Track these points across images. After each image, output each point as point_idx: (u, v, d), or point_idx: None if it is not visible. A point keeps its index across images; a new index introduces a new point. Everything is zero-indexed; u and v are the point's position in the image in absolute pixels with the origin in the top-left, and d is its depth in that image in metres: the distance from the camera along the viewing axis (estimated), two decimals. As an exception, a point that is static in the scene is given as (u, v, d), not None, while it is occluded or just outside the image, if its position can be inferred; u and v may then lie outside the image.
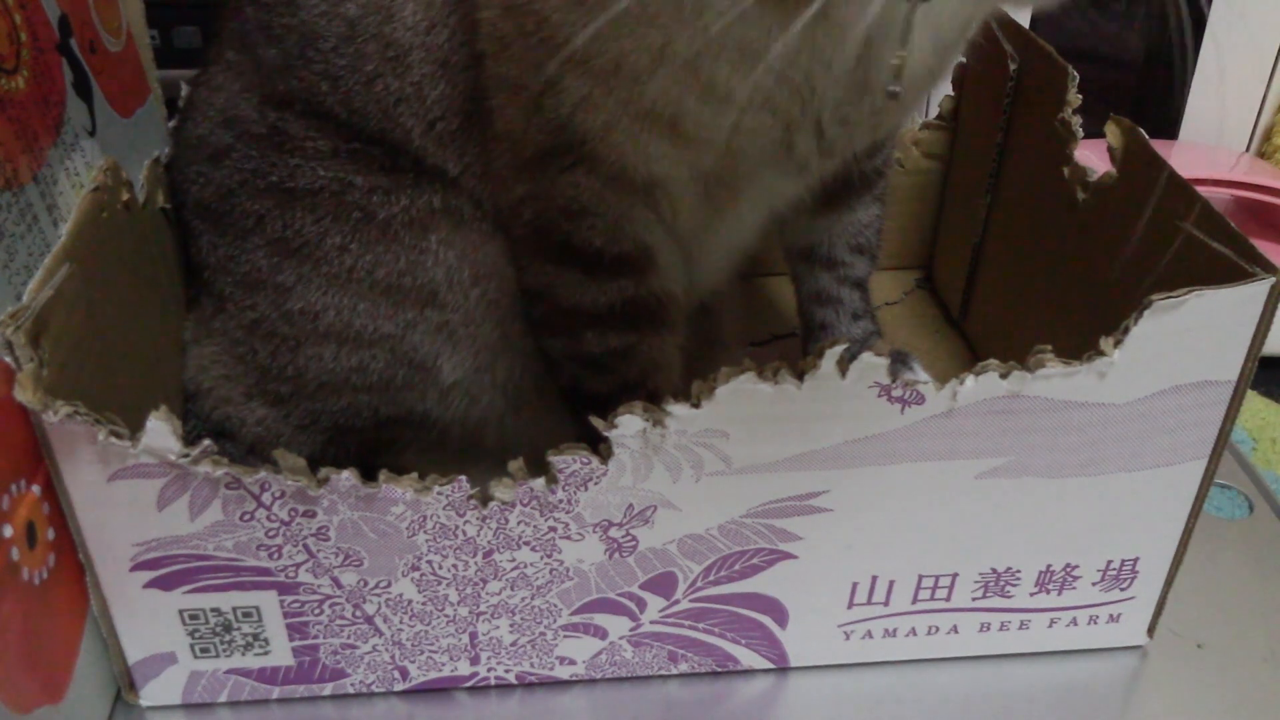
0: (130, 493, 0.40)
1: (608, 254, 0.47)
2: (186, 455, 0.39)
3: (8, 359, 0.37)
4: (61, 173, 0.46)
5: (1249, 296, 0.42)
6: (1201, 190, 0.78)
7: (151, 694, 0.46)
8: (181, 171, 0.52)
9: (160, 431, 0.38)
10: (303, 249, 0.47)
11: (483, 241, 0.48)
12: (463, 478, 0.41)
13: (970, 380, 0.41)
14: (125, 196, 0.49)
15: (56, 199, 0.45)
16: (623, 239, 0.47)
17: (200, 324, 0.52)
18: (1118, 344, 0.41)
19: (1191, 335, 0.42)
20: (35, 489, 0.40)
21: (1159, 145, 0.76)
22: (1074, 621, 0.50)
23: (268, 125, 0.48)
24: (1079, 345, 0.43)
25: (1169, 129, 0.83)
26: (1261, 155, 0.82)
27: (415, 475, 0.41)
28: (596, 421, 0.40)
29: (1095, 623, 0.50)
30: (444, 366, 0.49)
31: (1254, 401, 0.67)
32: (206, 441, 0.39)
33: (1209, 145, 0.83)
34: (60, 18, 0.47)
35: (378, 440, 0.51)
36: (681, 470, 0.42)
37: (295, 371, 0.49)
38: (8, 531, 0.38)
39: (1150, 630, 0.51)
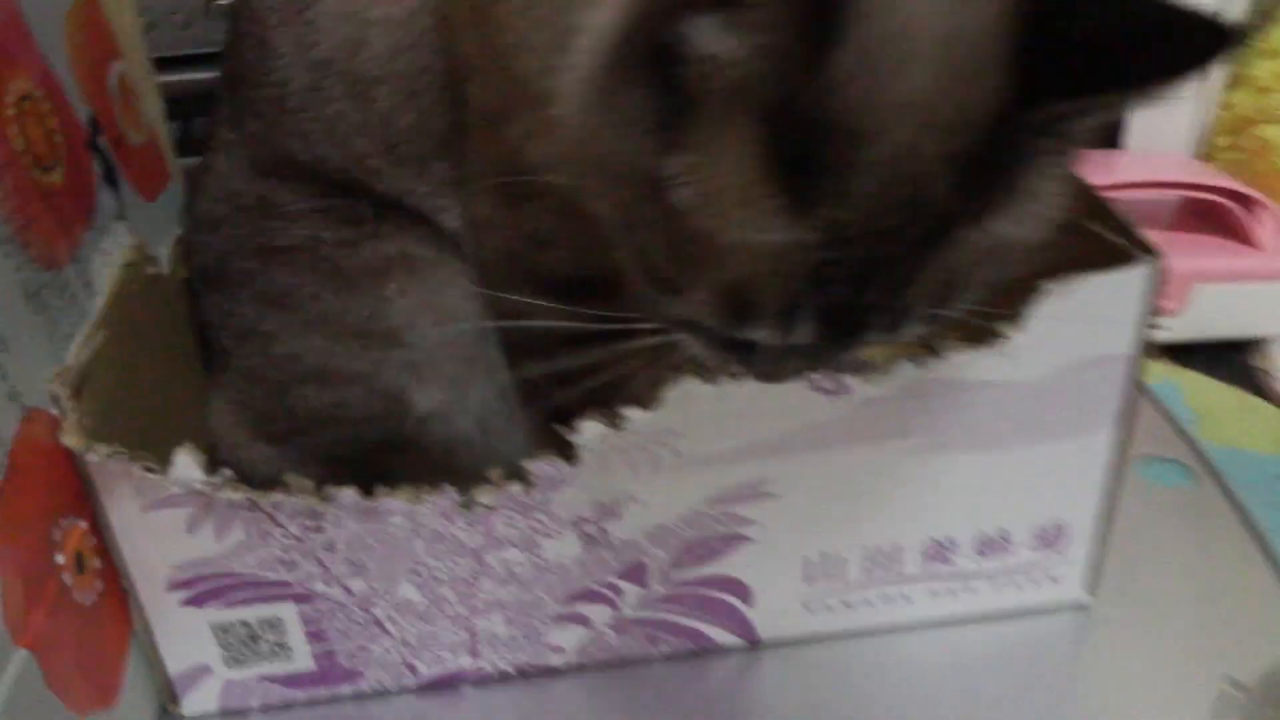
0: (164, 521, 0.46)
1: (576, 280, 0.51)
2: (210, 483, 0.45)
3: (54, 410, 0.44)
4: (95, 252, 0.52)
5: (1135, 276, 0.47)
6: (1149, 193, 0.83)
7: (192, 704, 0.52)
8: (189, 244, 0.59)
9: (187, 464, 0.44)
10: (282, 299, 0.54)
11: (442, 286, 0.54)
12: (449, 487, 0.47)
13: (888, 369, 0.47)
14: (152, 270, 0.56)
15: (92, 276, 0.52)
16: (589, 265, 0.50)
17: (213, 379, 0.59)
18: (1017, 328, 0.47)
19: (1086, 315, 0.47)
20: (82, 523, 0.46)
21: (1105, 154, 0.83)
22: (1016, 584, 0.55)
23: (255, 196, 0.55)
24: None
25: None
26: (1205, 158, 0.87)
27: (409, 487, 0.47)
28: (563, 429, 0.46)
29: (1036, 584, 0.55)
30: (417, 398, 0.55)
31: (1200, 382, 0.73)
32: (226, 470, 0.45)
33: (1154, 151, 0.88)
34: (89, 118, 0.54)
35: (371, 470, 0.57)
36: (641, 467, 0.47)
37: (286, 411, 0.55)
38: (60, 560, 0.44)
39: (1091, 589, 0.56)
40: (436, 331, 0.54)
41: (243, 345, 0.56)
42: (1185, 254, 0.75)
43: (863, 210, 0.34)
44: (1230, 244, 0.76)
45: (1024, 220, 0.37)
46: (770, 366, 0.40)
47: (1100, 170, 0.78)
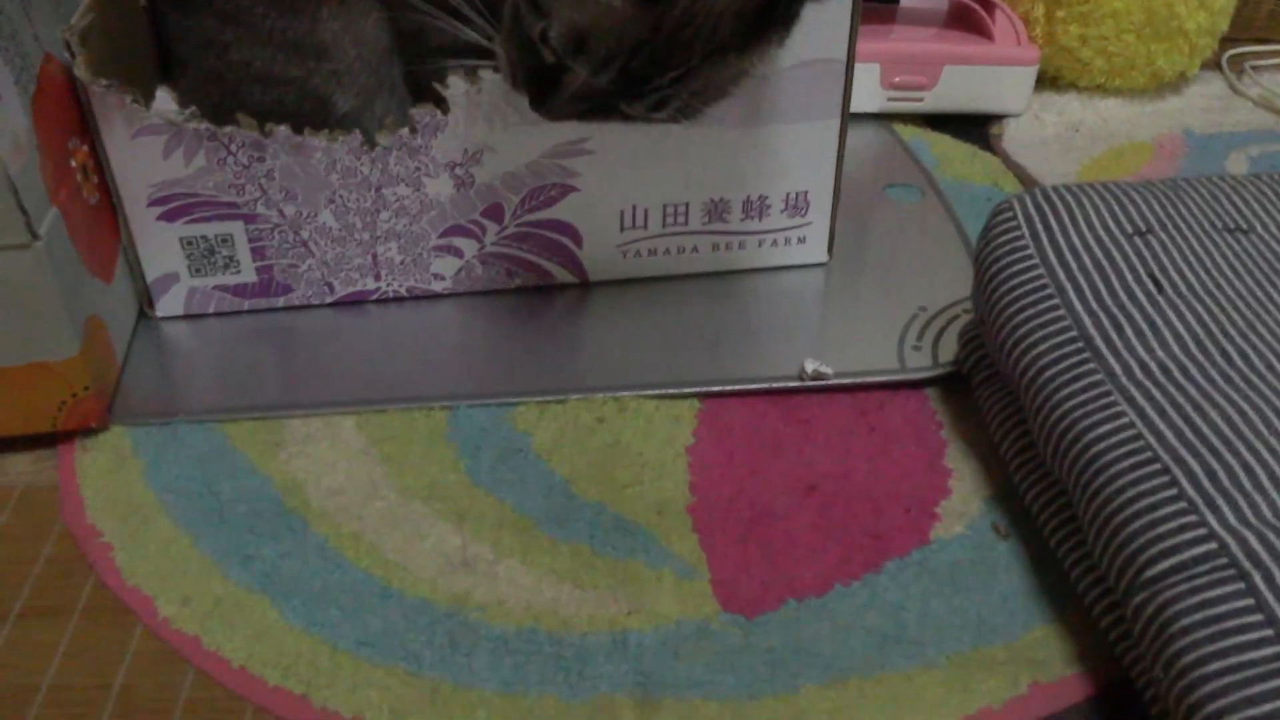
0: (146, 146, 0.63)
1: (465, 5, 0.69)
2: (182, 114, 0.62)
3: (67, 55, 0.60)
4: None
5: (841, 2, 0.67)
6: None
7: (164, 307, 0.70)
8: None
9: (165, 99, 0.62)
10: (238, 15, 0.70)
11: (360, 18, 0.71)
12: (357, 130, 0.65)
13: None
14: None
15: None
16: None
17: (170, 84, 0.75)
18: (762, 29, 0.66)
19: (811, 27, 0.67)
20: (85, 147, 0.63)
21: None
22: (774, 242, 0.75)
23: None
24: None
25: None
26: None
27: (328, 131, 0.65)
28: (438, 86, 0.64)
29: (789, 243, 0.76)
30: (337, 102, 0.72)
31: (943, 140, 0.94)
32: (193, 108, 0.63)
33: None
34: None
35: None
36: (495, 121, 0.66)
37: (236, 105, 0.72)
38: (74, 164, 0.61)
39: (830, 251, 0.77)
40: (355, 50, 0.71)
41: (203, 53, 0.71)
42: (941, 42, 0.95)
43: (677, 20, 0.56)
44: (975, 37, 0.96)
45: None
46: (554, 104, 0.60)
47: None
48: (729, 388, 0.68)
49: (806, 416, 0.67)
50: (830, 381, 0.68)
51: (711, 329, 0.72)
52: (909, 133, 0.94)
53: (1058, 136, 0.96)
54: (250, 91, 0.71)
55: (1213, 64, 1.06)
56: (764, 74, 0.66)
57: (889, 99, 0.95)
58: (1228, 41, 1.05)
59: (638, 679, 0.53)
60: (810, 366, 0.68)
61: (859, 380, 0.68)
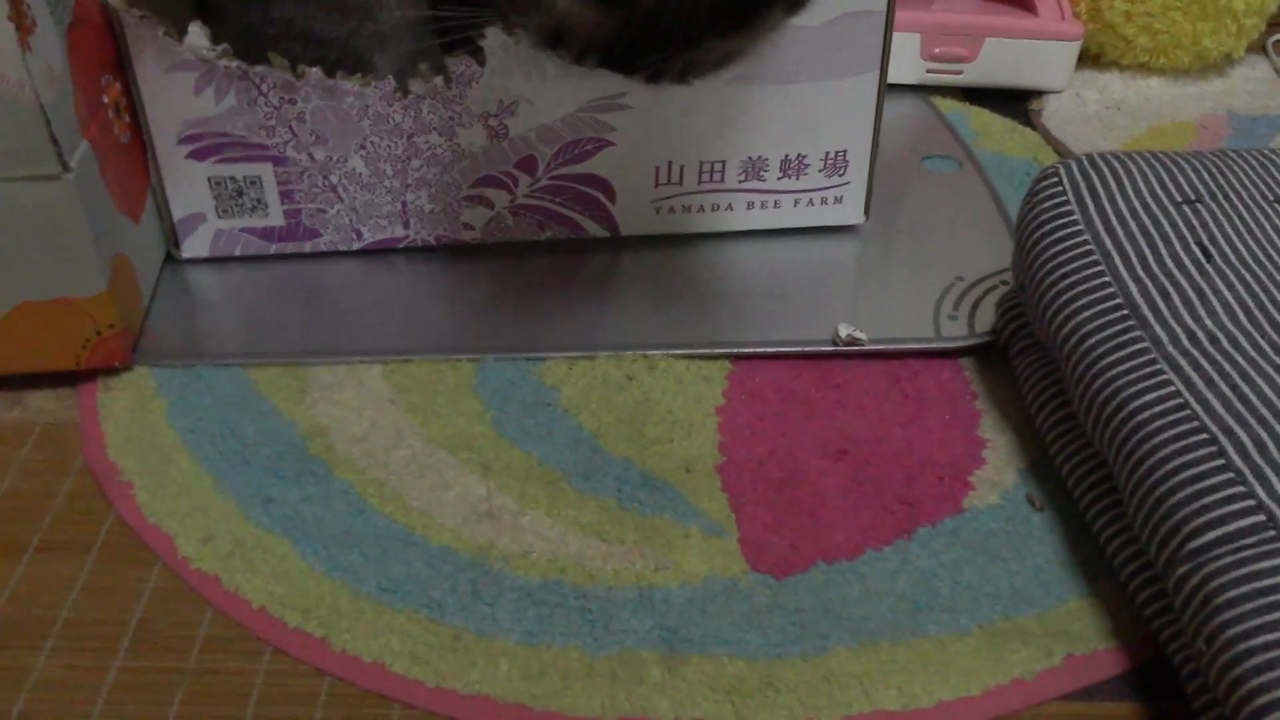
0: (177, 82, 0.62)
1: None
2: (213, 50, 0.61)
3: (100, -15, 0.60)
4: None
5: (885, -50, 0.65)
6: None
7: (190, 248, 0.69)
8: None
9: (197, 34, 0.61)
10: None
11: None
12: (390, 77, 0.64)
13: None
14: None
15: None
16: None
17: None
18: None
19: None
20: (118, 85, 0.62)
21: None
22: (810, 202, 0.74)
23: None
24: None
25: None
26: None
27: (360, 75, 0.64)
28: (475, 34, 0.63)
29: (826, 203, 0.74)
30: (378, 64, 0.71)
31: (982, 113, 0.92)
32: (225, 45, 0.61)
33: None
34: None
35: None
36: (532, 73, 0.65)
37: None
38: (106, 100, 0.60)
39: (865, 212, 0.75)
40: (399, 12, 0.70)
41: (245, 8, 0.70)
42: (983, 14, 0.94)
43: (645, 18, 0.55)
44: (1018, 10, 0.95)
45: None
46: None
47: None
48: (761, 349, 0.67)
49: (838, 381, 0.66)
50: (864, 347, 0.67)
51: (744, 289, 0.71)
52: (947, 105, 0.93)
53: (1099, 114, 0.94)
54: (290, 49, 0.70)
55: (1258, 47, 1.04)
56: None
57: (928, 70, 0.93)
58: (1272, 26, 1.03)
59: (663, 634, 0.52)
60: (844, 331, 0.67)
61: (893, 347, 0.67)
